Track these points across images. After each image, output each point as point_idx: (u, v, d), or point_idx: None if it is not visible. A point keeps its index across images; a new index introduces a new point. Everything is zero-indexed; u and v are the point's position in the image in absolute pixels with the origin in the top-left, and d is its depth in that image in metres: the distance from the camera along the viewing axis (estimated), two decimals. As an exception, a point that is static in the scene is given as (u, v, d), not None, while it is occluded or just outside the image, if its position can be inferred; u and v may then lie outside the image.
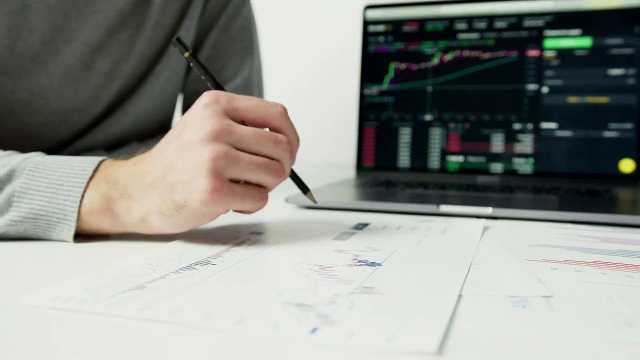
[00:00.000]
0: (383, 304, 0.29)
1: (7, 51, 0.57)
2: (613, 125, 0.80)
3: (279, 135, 0.42)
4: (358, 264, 0.37)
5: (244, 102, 0.42)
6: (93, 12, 0.61)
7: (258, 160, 0.41)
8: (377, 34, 0.92)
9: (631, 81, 0.79)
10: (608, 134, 0.80)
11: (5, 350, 0.23)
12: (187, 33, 0.70)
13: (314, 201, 0.50)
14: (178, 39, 0.47)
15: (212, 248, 0.41)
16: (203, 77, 0.47)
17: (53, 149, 0.65)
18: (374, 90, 0.91)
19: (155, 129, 0.73)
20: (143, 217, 0.41)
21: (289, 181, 0.90)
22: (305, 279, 0.33)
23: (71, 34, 0.60)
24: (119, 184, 0.41)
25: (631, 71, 0.79)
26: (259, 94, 0.80)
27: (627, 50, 0.80)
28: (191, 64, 0.47)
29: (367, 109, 0.91)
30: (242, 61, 0.75)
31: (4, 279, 0.34)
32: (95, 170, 0.42)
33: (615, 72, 0.80)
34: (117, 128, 0.68)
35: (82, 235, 0.44)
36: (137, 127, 0.70)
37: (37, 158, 0.44)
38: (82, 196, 0.41)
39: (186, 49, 0.46)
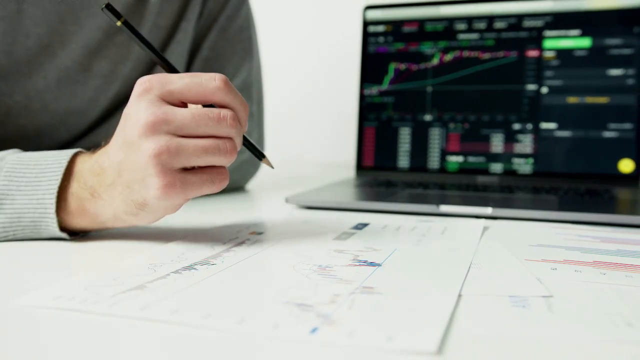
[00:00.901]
0: (383, 304, 0.29)
1: (4, 55, 0.57)
2: (612, 125, 0.80)
3: (222, 112, 0.40)
4: (358, 264, 0.37)
5: (178, 83, 0.39)
6: (90, 15, 0.61)
7: (204, 144, 0.39)
8: (377, 34, 0.92)
9: (630, 81, 0.79)
10: (607, 134, 0.80)
11: (6, 350, 0.24)
12: (185, 34, 0.70)
13: (271, 166, 0.47)
14: (107, 6, 0.41)
15: (212, 248, 0.41)
16: (141, 48, 0.43)
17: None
18: (373, 90, 0.91)
19: None
20: (115, 215, 0.42)
21: (288, 182, 0.89)
22: (305, 278, 0.33)
23: (68, 37, 0.60)
24: (87, 183, 0.42)
25: (630, 71, 0.80)
26: (259, 94, 0.80)
27: (627, 51, 0.80)
28: (138, 47, 0.43)
29: (367, 109, 0.91)
30: (241, 62, 0.75)
31: (4, 279, 0.34)
32: (70, 162, 0.42)
33: (615, 72, 0.80)
34: None
35: (80, 234, 0.44)
36: None
37: (12, 157, 0.44)
38: (59, 190, 0.42)
39: (118, 17, 0.42)
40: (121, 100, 0.68)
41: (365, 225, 0.51)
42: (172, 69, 0.43)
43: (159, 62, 0.43)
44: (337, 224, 0.51)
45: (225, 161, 0.40)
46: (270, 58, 1.09)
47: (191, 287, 0.31)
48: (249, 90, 0.76)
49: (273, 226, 0.50)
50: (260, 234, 0.46)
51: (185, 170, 0.40)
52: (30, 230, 0.42)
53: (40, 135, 0.63)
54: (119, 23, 0.42)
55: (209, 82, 0.40)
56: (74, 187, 0.42)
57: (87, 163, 0.42)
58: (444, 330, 0.25)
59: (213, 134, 0.39)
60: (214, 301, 0.29)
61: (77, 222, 0.42)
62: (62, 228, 0.42)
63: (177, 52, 0.70)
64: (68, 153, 0.43)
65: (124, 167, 0.40)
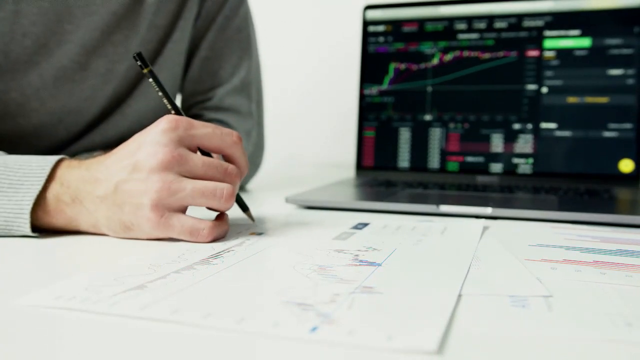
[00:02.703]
0: (383, 304, 0.29)
1: (1, 55, 0.57)
2: (612, 125, 0.80)
3: (229, 167, 0.44)
4: (358, 263, 0.37)
5: (201, 130, 0.43)
6: (87, 14, 0.61)
7: (201, 187, 0.42)
8: (377, 34, 0.92)
9: (630, 81, 0.80)
10: (607, 134, 0.80)
11: (7, 350, 0.24)
12: (183, 34, 0.70)
13: (252, 219, 0.51)
14: (139, 54, 0.46)
15: (212, 248, 0.41)
16: (160, 95, 0.47)
17: (51, 151, 0.65)
18: (373, 90, 0.91)
19: None
20: (94, 224, 0.44)
21: (288, 182, 0.90)
22: (305, 278, 0.33)
23: (65, 37, 0.60)
24: (71, 187, 0.43)
25: (630, 71, 0.80)
26: (258, 94, 0.80)
27: (627, 51, 0.80)
28: (150, 80, 0.46)
29: (367, 109, 0.91)
30: (240, 61, 0.75)
31: (4, 279, 0.34)
32: (54, 168, 0.44)
33: (615, 72, 0.80)
34: (115, 130, 0.68)
35: (70, 233, 0.44)
36: (134, 129, 0.70)
37: None
38: (39, 194, 0.43)
39: (145, 65, 0.46)
40: (119, 100, 0.68)
41: (365, 225, 0.51)
42: (179, 114, 0.47)
43: (172, 109, 0.47)
44: (337, 224, 0.51)
45: (218, 205, 0.43)
46: (271, 58, 1.09)
47: (191, 287, 0.31)
48: (247, 89, 0.76)
49: (273, 226, 0.50)
50: (260, 234, 0.46)
51: (179, 211, 0.43)
52: (2, 230, 0.43)
53: (39, 134, 0.64)
54: (145, 70, 0.46)
55: (227, 136, 0.44)
56: (56, 190, 0.43)
57: (76, 169, 0.44)
58: (444, 330, 0.25)
59: (215, 180, 0.43)
60: (214, 301, 0.29)
61: (53, 221, 0.44)
62: (37, 226, 0.44)
63: (174, 52, 0.70)
64: (52, 159, 0.44)
65: (122, 187, 0.42)
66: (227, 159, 0.46)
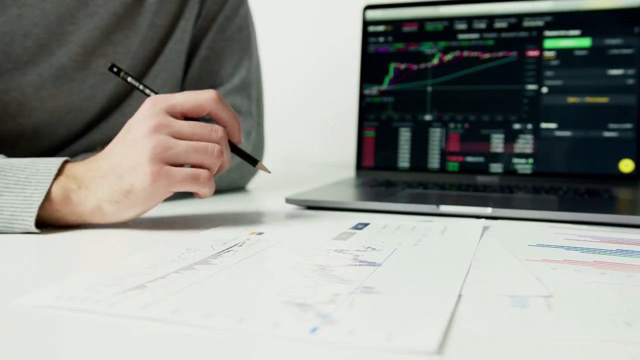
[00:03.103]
0: (383, 304, 0.29)
1: (2, 55, 0.57)
2: (612, 125, 0.80)
3: (214, 126, 0.47)
4: (358, 263, 0.37)
5: (179, 97, 0.47)
6: (88, 15, 0.61)
7: (194, 144, 0.45)
8: (377, 34, 0.92)
9: (630, 81, 0.79)
10: (607, 134, 0.80)
11: (7, 350, 0.24)
12: (183, 34, 0.70)
13: (267, 171, 0.53)
14: (113, 65, 0.51)
15: (212, 248, 0.41)
16: (141, 88, 0.51)
17: (50, 150, 0.65)
18: (373, 90, 0.91)
19: None
20: (97, 206, 0.45)
21: (288, 182, 0.90)
22: (305, 278, 0.33)
23: (66, 37, 0.60)
24: (77, 178, 0.45)
25: (630, 71, 0.80)
26: (258, 94, 0.80)
27: (627, 51, 0.80)
28: (129, 79, 0.50)
29: (367, 109, 0.91)
30: (240, 61, 0.75)
31: (4, 279, 0.34)
32: (59, 169, 0.45)
33: (615, 72, 0.80)
34: (115, 129, 0.68)
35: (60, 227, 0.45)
36: None
37: (1, 161, 0.46)
38: (48, 190, 0.44)
39: (120, 70, 0.51)
40: (119, 99, 0.68)
41: (365, 225, 0.51)
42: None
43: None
44: (337, 224, 0.51)
45: (210, 160, 0.46)
46: (271, 58, 1.09)
47: (191, 287, 0.31)
48: (247, 89, 0.76)
49: (273, 226, 0.50)
50: (260, 234, 0.46)
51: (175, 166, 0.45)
52: (4, 225, 0.44)
53: (39, 133, 0.64)
54: (122, 75, 0.51)
55: (203, 94, 0.47)
56: (62, 180, 0.45)
57: (80, 164, 0.46)
58: (444, 330, 0.25)
59: (205, 140, 0.46)
60: (214, 301, 0.29)
61: (57, 209, 0.45)
62: (40, 220, 0.44)
63: (175, 52, 0.70)
64: (58, 161, 0.46)
65: (120, 162, 0.44)
66: (212, 116, 0.48)
